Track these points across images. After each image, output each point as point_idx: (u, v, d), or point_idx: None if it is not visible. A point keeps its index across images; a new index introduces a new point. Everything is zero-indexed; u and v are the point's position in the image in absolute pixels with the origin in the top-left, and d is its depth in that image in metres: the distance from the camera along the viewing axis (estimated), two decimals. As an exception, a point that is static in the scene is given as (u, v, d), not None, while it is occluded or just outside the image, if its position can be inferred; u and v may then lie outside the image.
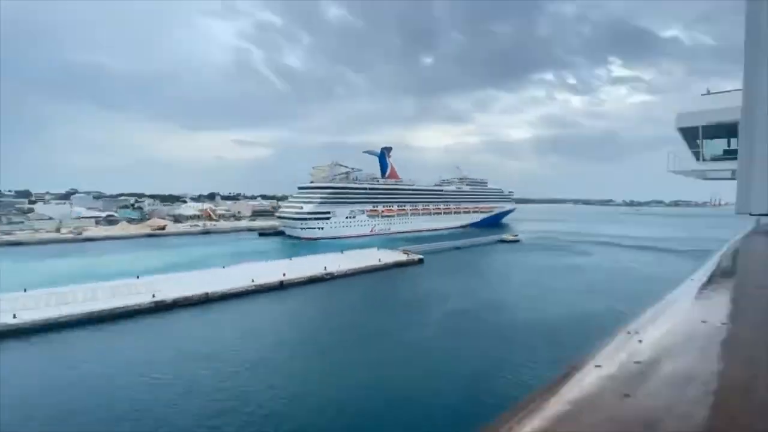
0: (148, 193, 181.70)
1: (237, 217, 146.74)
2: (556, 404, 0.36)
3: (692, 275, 0.96)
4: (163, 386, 20.22)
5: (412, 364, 22.60)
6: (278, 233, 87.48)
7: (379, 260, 54.44)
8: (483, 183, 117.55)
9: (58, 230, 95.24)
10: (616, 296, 37.35)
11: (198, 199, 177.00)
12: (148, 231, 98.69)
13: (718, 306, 0.77)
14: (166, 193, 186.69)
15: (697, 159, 15.85)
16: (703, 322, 0.58)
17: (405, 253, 59.83)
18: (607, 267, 55.66)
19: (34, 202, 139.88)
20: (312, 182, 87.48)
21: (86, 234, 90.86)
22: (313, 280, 44.38)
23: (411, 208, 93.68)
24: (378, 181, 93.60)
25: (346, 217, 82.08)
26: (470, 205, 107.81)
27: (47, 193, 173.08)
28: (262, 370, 21.99)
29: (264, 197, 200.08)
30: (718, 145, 15.02)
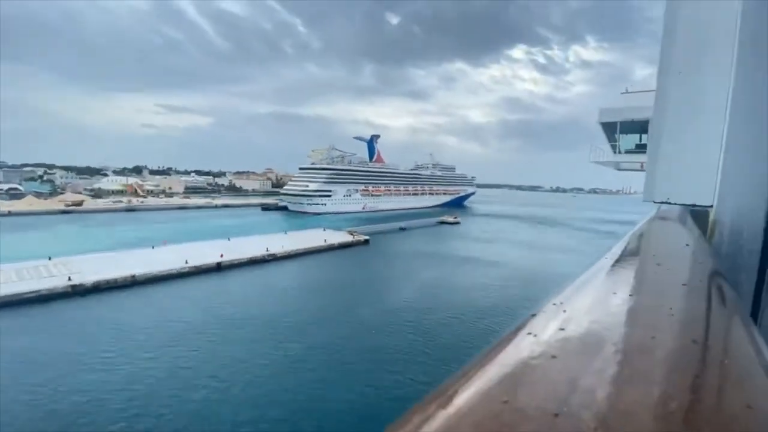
0: (60, 164, 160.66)
1: (168, 194, 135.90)
2: (496, 366, 0.43)
3: (606, 254, 1.13)
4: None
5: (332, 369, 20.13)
6: (280, 208, 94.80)
7: (325, 241, 54.01)
8: (452, 169, 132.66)
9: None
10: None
11: (122, 172, 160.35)
12: (61, 207, 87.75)
13: (626, 280, 0.94)
14: (83, 165, 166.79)
15: (614, 151, 17.73)
16: (614, 293, 0.73)
17: (351, 234, 59.98)
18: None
19: None
20: (313, 163, 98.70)
21: (-19, 209, 78.50)
22: (254, 262, 42.86)
23: (394, 188, 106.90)
24: (368, 164, 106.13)
25: (344, 195, 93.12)
26: (441, 188, 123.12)
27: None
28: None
29: (198, 173, 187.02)
30: (632, 139, 16.88)
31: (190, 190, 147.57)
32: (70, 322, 25.39)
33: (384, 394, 17.76)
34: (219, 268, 39.60)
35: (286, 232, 59.50)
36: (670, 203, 1.71)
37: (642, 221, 1.81)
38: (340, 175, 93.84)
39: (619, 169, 19.40)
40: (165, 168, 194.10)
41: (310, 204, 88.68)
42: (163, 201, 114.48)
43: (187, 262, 38.06)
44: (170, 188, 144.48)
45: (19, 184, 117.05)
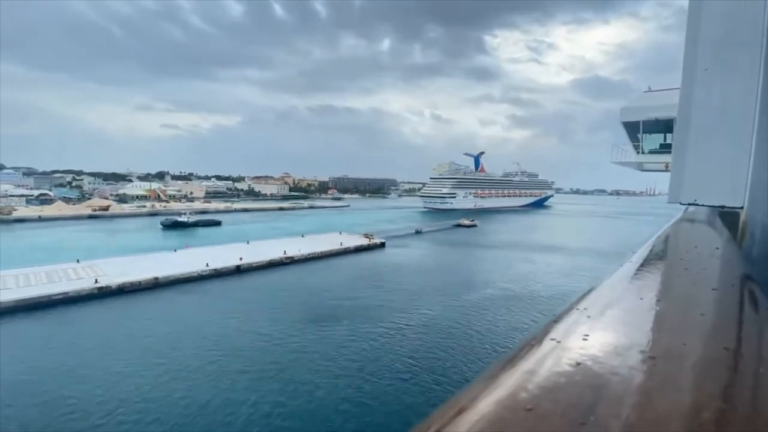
0: (87, 170, 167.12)
1: (189, 198, 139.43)
2: (518, 373, 0.42)
3: (631, 257, 1.09)
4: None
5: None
6: (179, 225, 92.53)
7: (341, 244, 54.31)
8: (535, 175, 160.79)
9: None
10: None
11: (146, 178, 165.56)
12: (89, 212, 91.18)
13: (653, 284, 0.90)
14: (109, 171, 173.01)
15: (637, 152, 17.21)
16: (641, 299, 0.70)
17: (367, 237, 60.10)
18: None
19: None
20: (440, 174, 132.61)
21: (17, 214, 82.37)
22: (272, 265, 43.48)
23: (494, 191, 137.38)
24: (475, 173, 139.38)
25: (463, 197, 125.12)
26: (527, 191, 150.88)
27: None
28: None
29: (218, 178, 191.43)
30: (656, 139, 16.35)
31: (211, 195, 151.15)
32: (96, 323, 26.31)
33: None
34: (238, 270, 40.34)
35: (303, 236, 60.13)
36: (697, 205, 1.65)
37: (667, 224, 1.75)
38: (461, 182, 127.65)
39: (643, 170, 18.80)
40: (186, 173, 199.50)
41: (443, 203, 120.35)
42: (184, 205, 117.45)
43: (207, 265, 38.92)
44: (191, 193, 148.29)
45: (50, 190, 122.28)
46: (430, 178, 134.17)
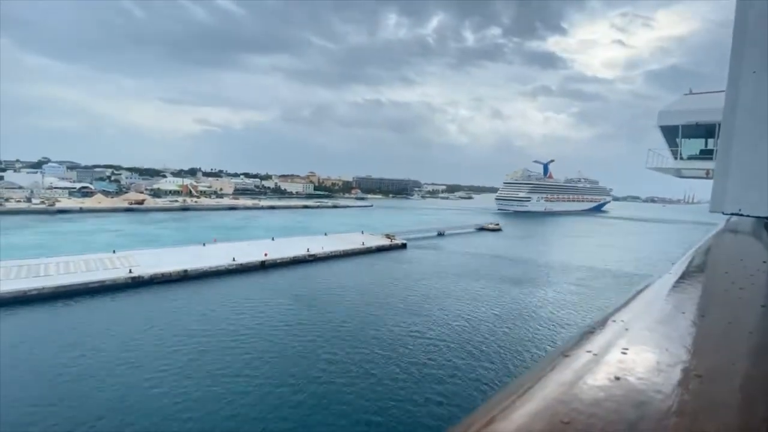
0: (125, 165, 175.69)
1: (219, 195, 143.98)
2: (553, 384, 0.40)
3: (670, 269, 1.04)
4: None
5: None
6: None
7: (363, 243, 54.61)
8: (595, 182, 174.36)
9: (29, 200, 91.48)
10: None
11: (179, 174, 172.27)
12: (125, 205, 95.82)
13: (695, 298, 0.84)
14: (145, 167, 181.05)
15: (675, 157, 16.38)
16: (682, 313, 0.66)
17: (389, 238, 60.17)
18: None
19: (3, 170, 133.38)
20: (515, 180, 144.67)
21: (59, 206, 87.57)
22: (295, 261, 44.28)
23: (561, 196, 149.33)
24: (544, 179, 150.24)
25: (536, 200, 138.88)
26: (588, 196, 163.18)
27: (17, 161, 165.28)
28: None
29: (247, 175, 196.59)
30: (696, 144, 15.51)
31: (239, 192, 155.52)
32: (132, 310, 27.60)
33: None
34: (263, 266, 41.31)
35: (326, 234, 60.89)
36: (741, 215, 1.55)
37: (708, 234, 1.65)
38: (534, 187, 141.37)
39: (681, 177, 17.88)
40: (216, 170, 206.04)
41: (520, 205, 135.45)
42: (214, 201, 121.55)
43: (234, 260, 40.07)
44: (221, 189, 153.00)
45: (90, 183, 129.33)
46: (504, 183, 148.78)
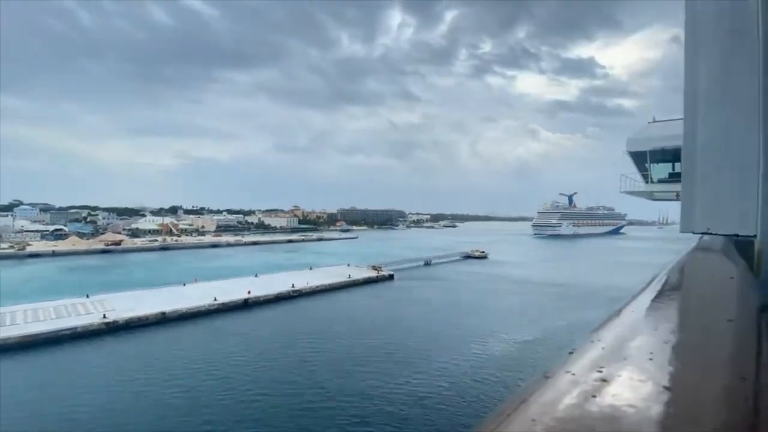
0: (103, 206, 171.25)
1: (200, 232, 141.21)
2: (534, 406, 0.42)
3: (647, 288, 1.08)
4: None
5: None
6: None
7: (349, 276, 53.87)
8: (611, 209, 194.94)
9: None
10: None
11: (158, 213, 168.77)
12: (101, 246, 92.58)
13: (668, 316, 0.88)
14: (123, 206, 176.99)
15: (646, 181, 17.13)
16: (655, 330, 0.70)
17: (375, 270, 59.60)
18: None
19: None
20: (547, 210, 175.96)
21: (30, 249, 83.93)
22: (280, 298, 43.11)
23: (584, 222, 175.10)
24: (569, 208, 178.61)
25: (565, 226, 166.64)
26: (607, 221, 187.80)
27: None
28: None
29: (230, 211, 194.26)
30: (664, 168, 16.29)
31: (222, 229, 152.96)
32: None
33: None
34: (246, 304, 40.00)
35: (311, 268, 59.90)
36: (710, 233, 1.63)
37: (681, 253, 1.72)
38: (563, 215, 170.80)
39: (654, 199, 18.63)
40: (198, 207, 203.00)
41: (553, 230, 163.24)
42: (195, 239, 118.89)
43: (215, 299, 38.72)
44: (202, 227, 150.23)
45: (65, 225, 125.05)
46: (538, 212, 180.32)
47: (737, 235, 1.49)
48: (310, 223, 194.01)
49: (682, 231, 1.71)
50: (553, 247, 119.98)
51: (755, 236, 1.40)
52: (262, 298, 41.63)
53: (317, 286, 47.81)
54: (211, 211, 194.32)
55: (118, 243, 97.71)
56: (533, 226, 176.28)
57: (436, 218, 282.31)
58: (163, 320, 33.95)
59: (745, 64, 1.46)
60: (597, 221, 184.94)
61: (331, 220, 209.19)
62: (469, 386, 22.32)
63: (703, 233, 1.64)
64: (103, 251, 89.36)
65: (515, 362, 25.95)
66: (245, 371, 24.04)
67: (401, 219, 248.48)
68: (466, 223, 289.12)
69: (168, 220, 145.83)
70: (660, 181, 16.51)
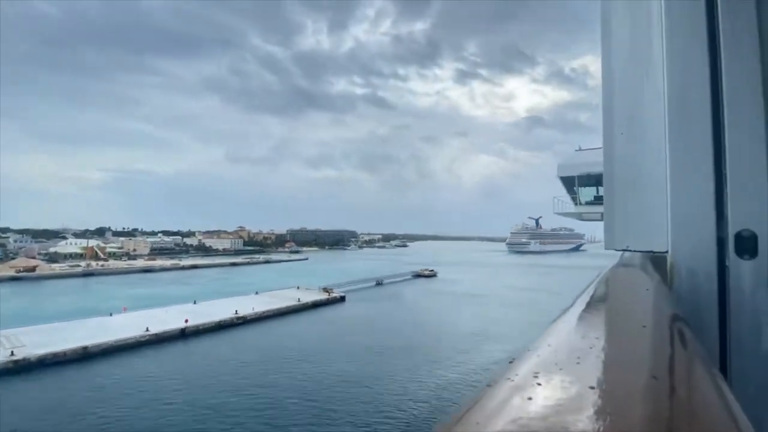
0: (15, 227, 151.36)
1: (131, 256, 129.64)
2: (479, 412, 0.48)
3: (577, 300, 1.20)
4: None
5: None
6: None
7: (298, 300, 52.14)
8: (571, 230, 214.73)
9: None
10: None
11: (83, 235, 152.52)
12: (11, 273, 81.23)
13: (594, 324, 1.00)
14: (40, 228, 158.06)
15: (575, 203, 18.88)
16: (583, 337, 0.80)
17: (326, 292, 58.32)
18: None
19: None
20: (517, 230, 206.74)
21: None
22: (222, 326, 40.35)
23: (549, 240, 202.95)
24: (536, 230, 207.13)
25: (532, 243, 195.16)
26: (568, 240, 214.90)
27: None
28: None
29: (166, 233, 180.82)
30: (590, 192, 18.08)
31: (156, 252, 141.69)
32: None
33: None
34: (183, 334, 36.94)
35: (257, 293, 57.07)
36: (630, 251, 1.83)
37: (607, 268, 1.91)
38: (532, 235, 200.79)
39: (582, 219, 20.47)
40: (130, 229, 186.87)
41: (524, 248, 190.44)
42: (125, 264, 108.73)
43: (147, 330, 35.34)
44: (134, 250, 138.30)
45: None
46: (511, 233, 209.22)
47: (652, 252, 1.70)
48: (256, 245, 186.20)
49: (606, 248, 1.92)
50: (511, 266, 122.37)
51: (667, 252, 1.60)
52: (201, 327, 38.73)
53: (264, 312, 45.60)
54: (144, 233, 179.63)
55: (32, 269, 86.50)
56: (507, 244, 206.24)
57: (387, 238, 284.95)
58: (85, 356, 30.22)
59: (653, 100, 1.71)
60: (560, 240, 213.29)
61: (279, 241, 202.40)
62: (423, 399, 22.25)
63: (623, 250, 1.84)
64: (13, 278, 78.43)
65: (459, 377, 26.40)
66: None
67: (353, 239, 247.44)
68: (416, 242, 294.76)
69: (94, 242, 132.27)
70: (587, 203, 18.26)
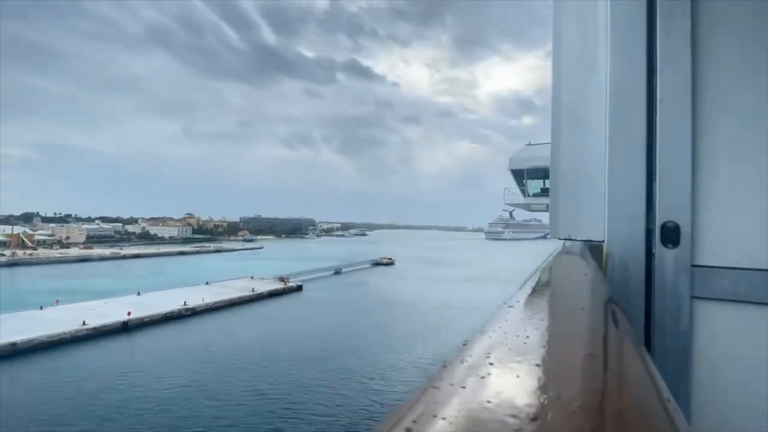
0: None
1: (64, 244, 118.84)
2: (437, 391, 0.51)
3: (524, 285, 1.29)
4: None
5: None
6: None
7: (252, 290, 50.72)
8: (539, 221, 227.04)
9: None
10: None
11: (6, 221, 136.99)
12: None
13: (539, 307, 1.09)
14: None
15: (524, 195, 20.03)
16: (530, 320, 0.91)
17: (282, 281, 57.15)
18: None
19: None
20: (494, 221, 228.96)
21: None
22: (169, 318, 38.32)
23: (521, 230, 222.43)
24: (510, 220, 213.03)
25: (506, 232, 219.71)
26: (537, 229, 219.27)
27: None
28: None
29: (105, 219, 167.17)
30: (538, 184, 19.22)
31: (93, 240, 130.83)
32: None
33: None
34: (126, 328, 34.65)
35: (207, 283, 54.69)
36: (571, 239, 1.98)
37: (550, 256, 2.06)
38: (506, 225, 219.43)
39: (530, 210, 21.75)
40: (63, 214, 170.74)
41: (499, 236, 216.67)
42: (57, 253, 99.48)
43: (84, 323, 32.75)
44: (67, 238, 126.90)
45: None
46: (489, 224, 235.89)
47: (590, 241, 1.86)
48: (206, 233, 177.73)
49: (551, 237, 2.06)
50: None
51: (603, 241, 1.75)
52: (146, 320, 36.55)
53: (215, 303, 43.89)
54: (79, 219, 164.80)
55: (-59, 260, 76.56)
56: (486, 233, 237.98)
57: (346, 227, 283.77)
58: (14, 353, 27.48)
59: (596, 98, 1.84)
60: (531, 230, 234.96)
61: (232, 229, 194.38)
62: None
63: (566, 239, 1.98)
64: None
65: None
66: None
67: (311, 228, 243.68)
68: (375, 231, 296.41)
69: (20, 229, 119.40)
70: (535, 195, 19.42)
